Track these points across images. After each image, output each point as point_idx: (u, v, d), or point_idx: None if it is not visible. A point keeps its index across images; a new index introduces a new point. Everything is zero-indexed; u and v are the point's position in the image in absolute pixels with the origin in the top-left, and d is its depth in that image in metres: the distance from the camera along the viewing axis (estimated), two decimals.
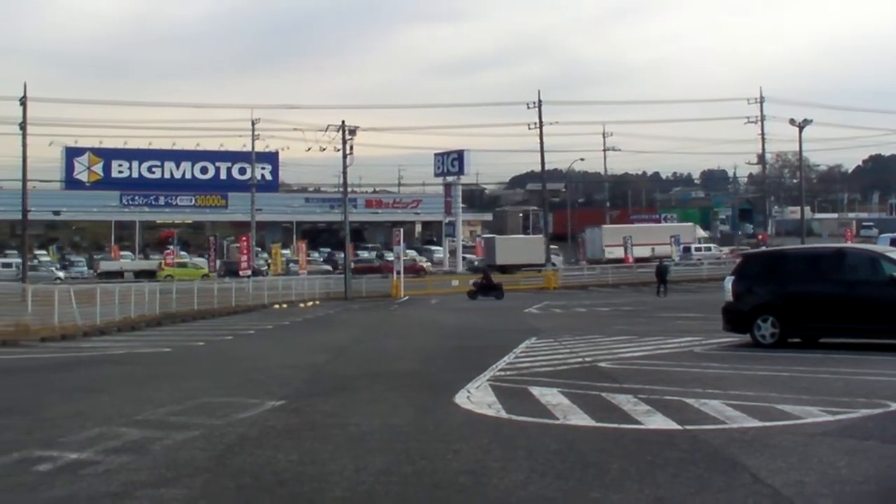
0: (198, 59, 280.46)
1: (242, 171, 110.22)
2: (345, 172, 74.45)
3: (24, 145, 62.96)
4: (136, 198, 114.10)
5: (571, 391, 14.09)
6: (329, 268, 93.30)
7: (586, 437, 10.57)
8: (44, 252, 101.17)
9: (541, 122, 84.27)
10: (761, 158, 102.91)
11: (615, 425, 11.20)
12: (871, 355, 18.40)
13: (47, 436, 11.08)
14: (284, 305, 58.43)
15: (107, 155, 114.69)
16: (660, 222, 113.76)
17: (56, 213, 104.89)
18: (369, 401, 14.17)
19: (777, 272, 21.88)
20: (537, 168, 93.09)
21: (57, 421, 12.36)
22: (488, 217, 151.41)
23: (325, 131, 73.60)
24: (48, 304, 34.35)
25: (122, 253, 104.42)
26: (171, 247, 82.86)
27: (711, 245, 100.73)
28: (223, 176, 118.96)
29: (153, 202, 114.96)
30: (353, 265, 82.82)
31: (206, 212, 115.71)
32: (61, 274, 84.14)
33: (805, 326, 20.66)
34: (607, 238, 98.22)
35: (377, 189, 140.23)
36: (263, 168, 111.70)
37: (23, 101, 62.97)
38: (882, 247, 27.67)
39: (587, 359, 19.67)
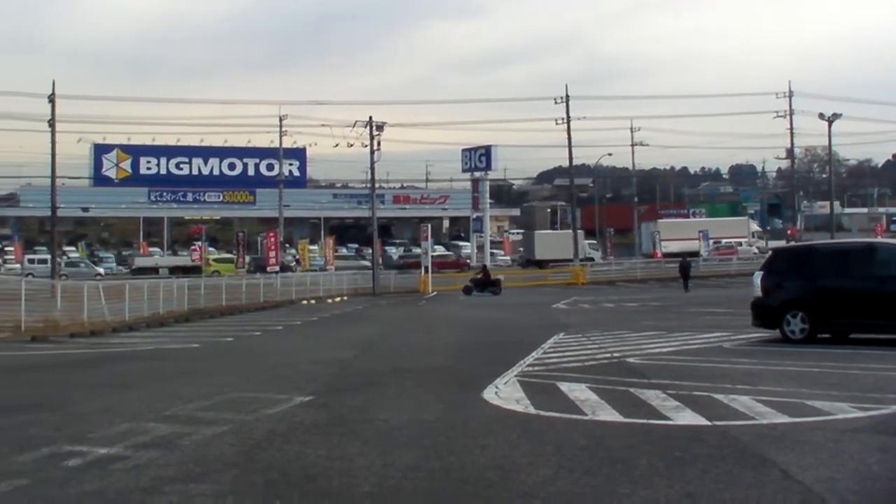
0: (226, 57, 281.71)
1: (270, 167, 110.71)
2: (372, 168, 74.60)
3: (53, 142, 63.33)
4: (165, 194, 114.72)
5: (600, 387, 14.05)
6: (366, 263, 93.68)
7: (615, 432, 10.53)
8: (73, 248, 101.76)
9: (568, 117, 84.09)
10: (790, 153, 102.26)
11: (644, 421, 11.15)
12: None
13: (76, 431, 11.11)
14: (312, 301, 58.53)
15: (135, 152, 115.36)
16: (688, 217, 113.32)
17: (85, 209, 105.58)
18: (397, 396, 14.16)
19: (806, 267, 21.74)
20: (565, 163, 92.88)
21: (86, 416, 12.41)
22: (516, 212, 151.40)
23: (353, 127, 73.74)
24: (77, 300, 34.50)
25: (151, 249, 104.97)
26: (199, 243, 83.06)
27: (742, 240, 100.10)
28: (251, 172, 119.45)
29: (181, 198, 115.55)
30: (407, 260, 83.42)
31: (233, 208, 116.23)
32: (101, 270, 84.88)
33: (835, 322, 20.52)
34: (664, 232, 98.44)
35: (405, 185, 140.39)
36: (291, 164, 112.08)
37: (51, 99, 63.25)
38: None
39: (615, 354, 19.61)
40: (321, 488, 8.14)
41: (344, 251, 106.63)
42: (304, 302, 57.63)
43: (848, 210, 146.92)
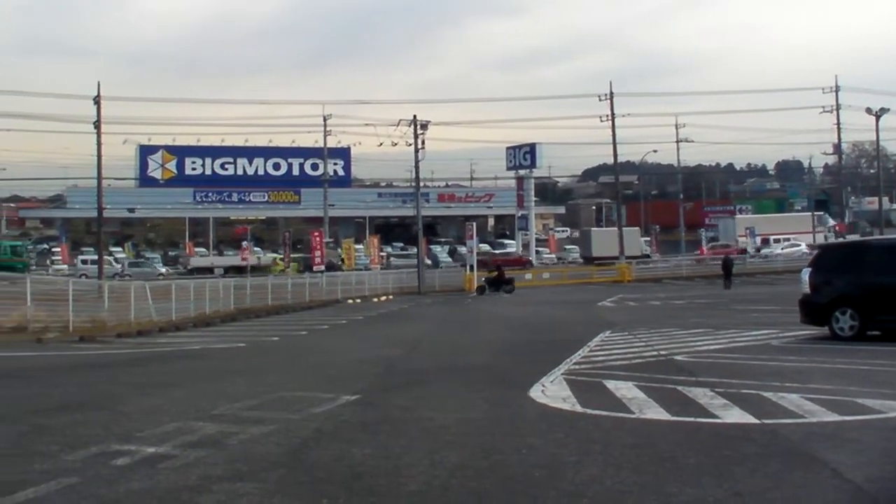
0: (270, 57, 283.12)
1: (315, 166, 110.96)
2: (417, 167, 74.62)
3: (99, 144, 63.75)
4: (210, 194, 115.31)
5: (647, 385, 13.99)
6: (429, 262, 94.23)
7: (662, 431, 10.48)
8: (119, 249, 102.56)
9: (613, 113, 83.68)
10: (837, 148, 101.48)
11: (691, 419, 11.09)
12: None
13: (124, 430, 11.18)
14: (358, 300, 58.63)
15: (180, 152, 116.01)
16: (734, 214, 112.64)
17: (131, 210, 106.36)
18: (443, 395, 14.16)
19: (856, 263, 21.53)
20: (609, 160, 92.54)
21: (133, 415, 12.49)
22: (561, 210, 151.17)
23: (397, 126, 73.80)
24: (124, 300, 34.77)
25: (197, 249, 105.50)
26: (245, 243, 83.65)
27: (790, 236, 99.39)
28: (296, 172, 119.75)
29: (227, 199, 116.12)
30: (490, 258, 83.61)
31: (279, 208, 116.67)
32: (164, 269, 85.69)
33: (884, 319, 20.30)
34: (740, 228, 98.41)
35: (449, 183, 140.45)
36: (336, 163, 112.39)
37: (97, 101, 63.71)
38: None
39: (662, 352, 19.52)
40: (368, 487, 8.14)
41: (389, 249, 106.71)
42: (350, 301, 57.75)
43: None
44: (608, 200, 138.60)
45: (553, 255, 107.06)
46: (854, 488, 7.71)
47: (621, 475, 8.31)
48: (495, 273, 63.85)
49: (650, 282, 71.78)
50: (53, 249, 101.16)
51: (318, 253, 70.85)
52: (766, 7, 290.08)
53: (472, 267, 69.30)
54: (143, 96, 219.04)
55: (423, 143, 73.09)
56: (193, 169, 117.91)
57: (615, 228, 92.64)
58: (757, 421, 10.79)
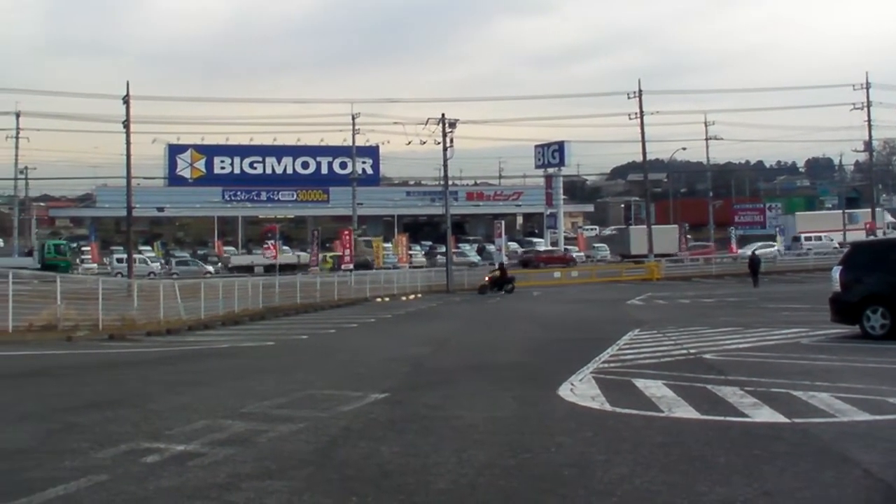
0: (299, 56, 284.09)
1: (343, 165, 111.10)
2: (445, 165, 74.54)
3: (128, 143, 63.95)
4: (239, 193, 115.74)
5: (676, 383, 13.95)
6: (475, 259, 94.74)
7: (692, 429, 10.44)
8: (148, 248, 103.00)
9: (641, 111, 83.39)
10: (868, 145, 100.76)
11: (721, 418, 11.05)
12: None
13: (154, 428, 11.23)
14: (386, 299, 58.65)
15: (209, 151, 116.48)
16: (764, 212, 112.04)
17: (160, 209, 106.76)
18: (472, 393, 14.15)
19: (887, 261, 21.36)
20: (638, 158, 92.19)
21: (163, 413, 12.54)
22: (590, 208, 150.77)
23: (425, 125, 73.71)
24: (153, 299, 34.91)
25: (226, 248, 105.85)
26: (271, 241, 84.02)
27: (822, 234, 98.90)
28: (324, 170, 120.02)
29: (255, 197, 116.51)
30: (535, 255, 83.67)
31: (307, 206, 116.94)
32: (211, 268, 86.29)
33: None
34: (800, 225, 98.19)
35: (478, 181, 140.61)
36: (364, 162, 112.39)
37: (126, 100, 63.99)
38: None
39: (692, 350, 19.46)
40: (396, 485, 8.15)
41: (417, 247, 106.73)
42: (378, 299, 57.77)
43: None
44: (637, 198, 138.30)
45: (582, 254, 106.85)
46: (885, 487, 7.66)
47: (650, 474, 8.28)
48: (498, 272, 63.80)
49: (679, 280, 71.50)
50: (83, 248, 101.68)
51: (346, 251, 70.90)
52: (796, 3, 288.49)
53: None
54: (172, 95, 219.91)
55: (451, 141, 73.03)
56: (222, 168, 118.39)
57: (656, 226, 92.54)
58: (787, 420, 10.73)
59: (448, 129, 72.45)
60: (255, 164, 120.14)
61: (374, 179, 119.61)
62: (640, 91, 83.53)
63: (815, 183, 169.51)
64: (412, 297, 61.50)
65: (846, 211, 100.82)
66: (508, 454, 9.32)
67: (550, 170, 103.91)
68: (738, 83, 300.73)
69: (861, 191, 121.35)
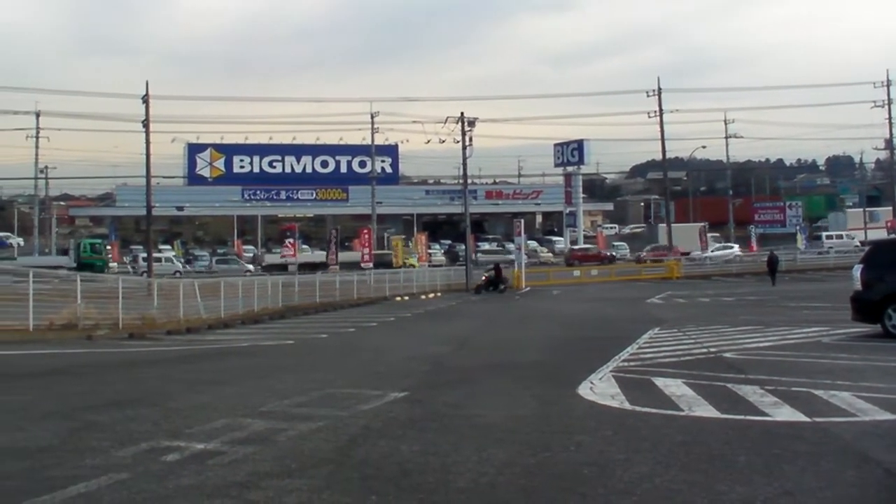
0: (318, 55, 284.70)
1: (363, 164, 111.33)
2: (464, 164, 74.52)
3: (148, 142, 64.18)
4: (258, 192, 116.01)
5: (696, 382, 13.93)
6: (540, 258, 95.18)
7: (711, 428, 10.41)
8: (168, 247, 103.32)
9: (661, 109, 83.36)
10: (888, 143, 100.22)
11: (741, 417, 11.02)
12: None
13: (174, 426, 11.26)
14: (406, 297, 58.61)
15: (228, 151, 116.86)
16: (784, 210, 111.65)
17: (179, 208, 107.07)
18: (491, 392, 14.15)
19: None
20: (658, 156, 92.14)
21: (183, 412, 12.56)
22: (609, 207, 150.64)
23: (445, 123, 73.71)
24: (173, 298, 34.99)
25: (245, 247, 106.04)
26: (290, 240, 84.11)
27: (843, 233, 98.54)
28: (343, 169, 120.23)
29: (275, 196, 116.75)
30: (571, 252, 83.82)
31: (326, 205, 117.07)
32: (251, 267, 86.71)
33: None
34: (852, 222, 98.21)
35: (497, 180, 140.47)
36: (383, 161, 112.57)
37: (145, 100, 64.23)
38: None
39: (711, 349, 19.42)
40: (416, 484, 8.14)
41: (436, 246, 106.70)
42: (398, 298, 57.74)
43: None
44: (657, 197, 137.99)
45: (615, 253, 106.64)
46: None
47: (670, 473, 8.27)
48: (493, 272, 63.81)
49: (699, 278, 71.32)
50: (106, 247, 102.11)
51: (365, 250, 70.98)
52: (817, 0, 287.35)
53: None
54: (192, 95, 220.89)
55: (470, 139, 73.00)
56: (241, 167, 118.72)
57: (685, 224, 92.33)
58: (808, 419, 10.70)
59: (467, 128, 72.44)
60: (274, 164, 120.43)
61: (393, 178, 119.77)
62: (660, 89, 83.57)
63: (835, 181, 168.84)
64: (432, 295, 61.48)
65: (867, 209, 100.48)
66: (528, 453, 9.31)
67: (570, 168, 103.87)
68: (758, 81, 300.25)
69: (882, 189, 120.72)
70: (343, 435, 10.48)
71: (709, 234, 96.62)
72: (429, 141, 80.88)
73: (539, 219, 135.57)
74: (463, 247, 78.63)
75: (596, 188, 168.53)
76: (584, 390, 13.67)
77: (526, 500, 7.66)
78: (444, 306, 47.18)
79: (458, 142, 73.09)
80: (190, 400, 13.89)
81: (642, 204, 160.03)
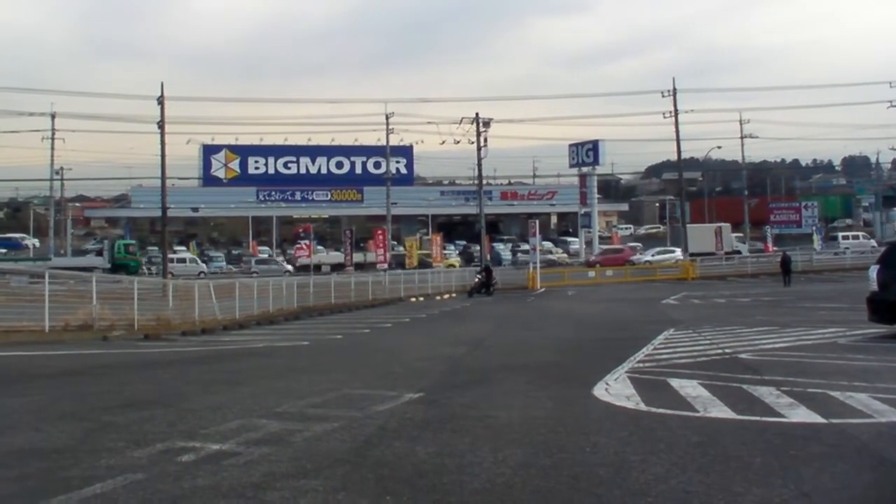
0: (333, 56, 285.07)
1: (377, 165, 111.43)
2: (479, 165, 74.61)
3: (163, 144, 64.34)
4: (273, 193, 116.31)
5: (712, 383, 13.89)
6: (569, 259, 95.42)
7: (727, 429, 10.38)
8: (183, 248, 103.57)
9: (676, 110, 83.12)
10: None
11: (757, 418, 10.98)
12: None
13: (189, 427, 11.26)
14: (421, 298, 58.70)
15: (243, 152, 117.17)
16: (800, 211, 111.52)
17: (195, 209, 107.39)
18: (507, 393, 14.13)
19: None
20: (673, 157, 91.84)
21: (198, 413, 12.57)
22: (624, 207, 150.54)
23: (459, 124, 73.88)
24: (188, 299, 35.08)
25: (260, 248, 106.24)
26: (304, 241, 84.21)
27: (860, 233, 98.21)
28: (358, 170, 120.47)
29: (289, 197, 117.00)
30: (601, 254, 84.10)
31: (341, 206, 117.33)
32: (290, 267, 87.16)
33: None
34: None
35: (512, 181, 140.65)
36: (398, 162, 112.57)
37: (160, 101, 64.38)
38: None
39: (727, 350, 19.37)
40: (432, 485, 8.14)
41: (451, 246, 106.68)
42: (413, 299, 57.83)
43: None
44: (672, 197, 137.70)
45: (640, 256, 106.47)
46: None
47: (686, 474, 8.24)
48: (483, 274, 63.81)
49: (715, 279, 71.20)
50: None
51: (380, 251, 71.00)
52: (831, 0, 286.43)
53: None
54: (207, 96, 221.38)
55: (485, 140, 73.17)
56: (256, 168, 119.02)
57: (711, 224, 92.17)
58: (824, 420, 10.65)
59: (482, 129, 72.59)
60: (289, 164, 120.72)
61: (408, 179, 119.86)
62: (675, 89, 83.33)
63: (851, 181, 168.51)
64: (446, 296, 61.55)
65: (884, 210, 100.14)
66: (544, 454, 9.29)
67: (584, 169, 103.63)
68: (773, 81, 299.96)
69: None
70: (359, 436, 10.47)
71: (733, 235, 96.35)
72: (444, 142, 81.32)
73: (554, 219, 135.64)
74: (478, 247, 78.62)
75: (611, 189, 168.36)
76: (599, 391, 13.65)
77: (542, 502, 7.64)
78: (458, 307, 47.21)
79: (472, 142, 73.32)
80: (205, 401, 13.90)
81: (657, 204, 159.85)
